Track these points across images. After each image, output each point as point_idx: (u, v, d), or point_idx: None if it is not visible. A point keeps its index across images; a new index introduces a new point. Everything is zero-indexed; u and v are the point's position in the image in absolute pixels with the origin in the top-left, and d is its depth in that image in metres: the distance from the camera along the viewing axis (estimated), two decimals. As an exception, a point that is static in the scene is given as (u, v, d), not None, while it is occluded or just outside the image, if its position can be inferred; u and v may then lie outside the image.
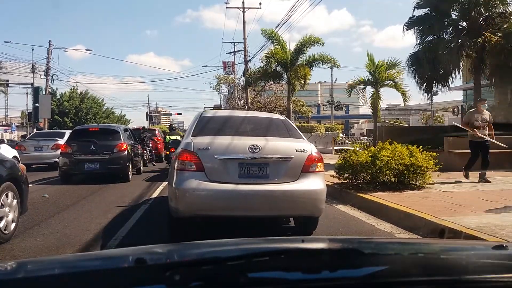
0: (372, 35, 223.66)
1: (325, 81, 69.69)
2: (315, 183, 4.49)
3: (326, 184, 8.20)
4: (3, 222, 4.48)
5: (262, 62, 19.89)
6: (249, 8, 28.45)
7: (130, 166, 11.01)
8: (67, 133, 14.27)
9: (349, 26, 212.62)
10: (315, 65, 19.28)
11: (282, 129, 5.14)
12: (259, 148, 4.37)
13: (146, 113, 64.63)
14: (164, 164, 16.79)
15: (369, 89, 18.17)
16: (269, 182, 4.37)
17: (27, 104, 36.89)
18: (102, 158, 10.37)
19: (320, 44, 18.97)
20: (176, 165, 4.44)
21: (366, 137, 35.10)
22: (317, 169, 4.55)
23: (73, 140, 10.80)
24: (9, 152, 11.13)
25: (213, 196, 4.32)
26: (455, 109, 29.32)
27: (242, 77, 28.79)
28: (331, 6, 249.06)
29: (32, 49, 41.69)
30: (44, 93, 27.36)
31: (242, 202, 4.34)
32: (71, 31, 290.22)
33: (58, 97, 40.51)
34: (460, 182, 8.36)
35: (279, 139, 4.81)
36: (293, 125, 5.69)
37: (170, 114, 78.98)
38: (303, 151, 4.53)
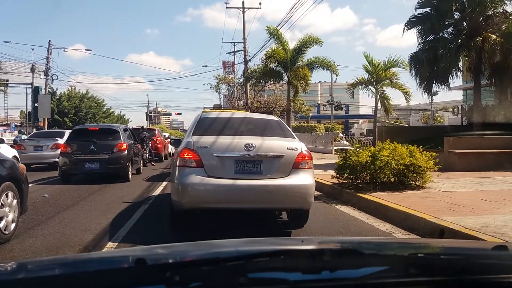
0: (376, 34, 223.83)
1: (325, 81, 69.69)
2: (305, 179, 4.76)
3: (326, 184, 8.37)
4: (3, 222, 4.47)
5: (262, 62, 19.84)
6: (249, 8, 28.53)
7: (130, 166, 11.00)
8: (67, 132, 14.24)
9: (352, 24, 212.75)
10: (315, 68, 19.24)
11: (276, 129, 5.48)
12: (253, 146, 4.66)
13: (146, 112, 64.77)
14: (164, 164, 16.84)
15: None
16: (262, 177, 4.67)
17: (26, 104, 36.96)
18: (102, 158, 10.34)
19: (319, 44, 18.91)
20: (178, 162, 4.73)
21: (364, 137, 35.11)
22: (307, 166, 4.84)
23: (72, 139, 10.76)
24: (9, 152, 11.13)
25: (211, 190, 4.62)
26: (455, 109, 29.34)
27: (242, 77, 28.75)
28: (334, 4, 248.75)
29: (32, 49, 41.97)
30: (43, 93, 27.36)
31: (237, 196, 4.64)
32: (71, 31, 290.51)
33: (58, 97, 40.49)
34: None
35: (272, 138, 5.11)
36: (286, 125, 6.10)
37: (170, 114, 79.18)
38: (294, 149, 4.83)
